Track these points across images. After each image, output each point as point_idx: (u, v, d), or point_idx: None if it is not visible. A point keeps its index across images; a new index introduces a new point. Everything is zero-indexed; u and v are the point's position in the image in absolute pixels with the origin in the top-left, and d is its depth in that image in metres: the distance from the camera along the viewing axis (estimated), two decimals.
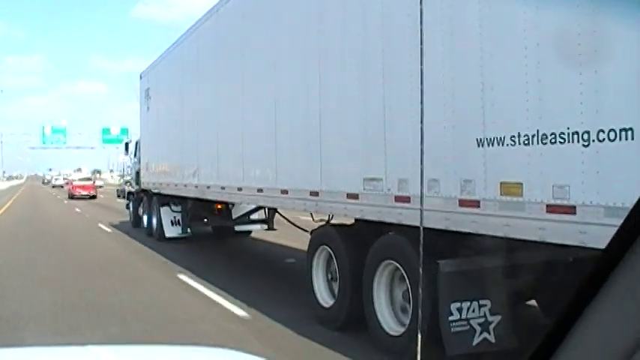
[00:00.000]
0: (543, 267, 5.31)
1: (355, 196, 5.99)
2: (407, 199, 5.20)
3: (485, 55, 4.32)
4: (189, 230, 15.41)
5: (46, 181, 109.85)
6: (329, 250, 6.75)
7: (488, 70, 4.30)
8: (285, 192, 7.60)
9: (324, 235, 6.99)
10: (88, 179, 55.41)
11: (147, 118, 16.98)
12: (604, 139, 3.47)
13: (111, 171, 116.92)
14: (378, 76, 5.64)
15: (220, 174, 10.24)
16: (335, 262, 6.58)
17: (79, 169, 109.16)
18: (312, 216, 8.10)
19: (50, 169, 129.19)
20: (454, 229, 4.73)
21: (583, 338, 0.85)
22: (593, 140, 3.53)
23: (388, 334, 5.63)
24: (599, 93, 3.48)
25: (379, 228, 5.82)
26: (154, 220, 16.33)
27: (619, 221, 2.86)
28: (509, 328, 5.09)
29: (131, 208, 20.80)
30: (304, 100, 7.08)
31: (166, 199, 15.43)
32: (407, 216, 5.26)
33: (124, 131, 62.65)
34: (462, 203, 4.59)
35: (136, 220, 19.82)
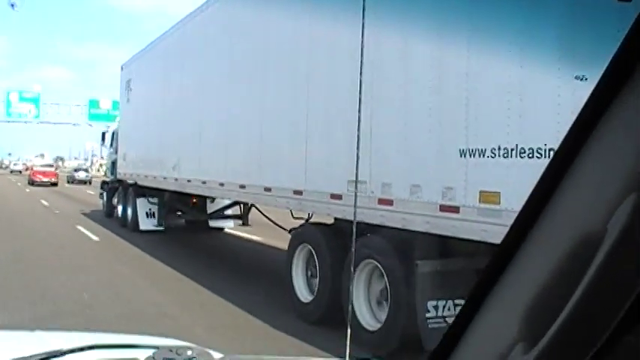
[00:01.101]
0: None
1: (339, 197, 6.28)
2: (390, 202, 5.50)
3: (471, 73, 4.64)
4: (163, 223, 15.54)
5: (4, 166, 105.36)
6: (310, 247, 7.03)
7: (473, 86, 4.62)
8: (268, 189, 7.85)
9: (306, 233, 7.27)
10: (50, 165, 54.12)
11: (127, 109, 17.07)
12: None
13: (85, 159, 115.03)
14: (365, 83, 5.92)
15: (202, 168, 10.43)
16: (316, 259, 6.85)
17: (42, 155, 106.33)
18: (291, 213, 8.39)
19: (10, 154, 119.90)
20: (434, 232, 5.04)
21: (474, 338, 0.85)
22: None
23: (365, 329, 5.93)
24: (574, 114, 3.80)
25: (360, 228, 6.11)
26: (129, 211, 16.36)
27: None
28: None
29: (105, 198, 20.78)
30: (291, 103, 7.34)
31: (143, 191, 15.50)
32: (389, 218, 5.56)
33: (116, 105, 43.11)
34: (443, 208, 4.90)
35: (109, 210, 19.85)
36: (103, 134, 22.27)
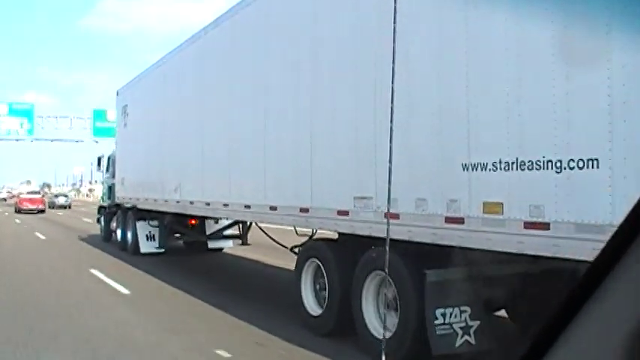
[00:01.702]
0: (514, 280, 5.97)
1: (346, 213, 6.56)
2: (396, 216, 5.79)
3: (471, 90, 4.97)
4: (165, 245, 15.72)
5: None
6: (318, 262, 7.30)
7: (474, 103, 4.95)
8: (274, 208, 8.13)
9: (313, 248, 7.55)
10: (37, 192, 53.77)
11: (123, 133, 17.30)
12: (574, 167, 4.13)
13: (73, 184, 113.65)
14: (369, 101, 6.24)
15: (205, 190, 10.68)
16: (324, 273, 7.12)
17: (28, 182, 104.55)
18: (295, 230, 8.70)
19: None
20: (440, 242, 5.33)
21: (573, 341, 0.85)
22: (565, 168, 4.19)
23: (377, 339, 6.18)
24: (570, 129, 4.14)
25: (367, 242, 6.40)
26: (129, 235, 16.54)
27: (588, 235, 3.64)
28: (488, 332, 5.72)
29: (102, 223, 20.99)
30: (295, 123, 7.64)
31: (142, 214, 15.70)
32: (396, 231, 5.84)
33: None
34: (448, 220, 5.20)
35: (107, 235, 20.05)
36: (99, 159, 22.46)
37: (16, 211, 43.17)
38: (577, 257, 4.26)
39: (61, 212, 45.45)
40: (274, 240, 10.69)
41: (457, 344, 5.56)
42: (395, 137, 5.85)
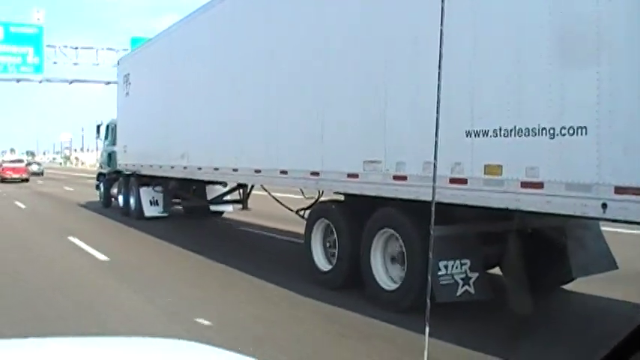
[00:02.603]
0: (508, 237, 6.65)
1: (355, 176, 7.17)
2: (404, 178, 6.40)
3: (474, 66, 5.56)
4: (168, 210, 16.35)
5: None
6: (327, 222, 7.93)
7: (477, 76, 5.54)
8: (284, 172, 8.71)
9: (323, 209, 8.17)
10: (20, 161, 52.10)
11: (125, 102, 17.65)
12: (565, 134, 4.75)
13: (57, 153, 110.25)
14: (378, 76, 6.81)
15: (214, 156, 11.22)
16: (334, 231, 7.75)
17: (12, 150, 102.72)
18: (302, 192, 9.40)
19: None
20: (445, 201, 5.95)
21: None
22: (557, 134, 4.80)
23: (384, 290, 6.85)
24: (564, 100, 4.75)
25: (374, 202, 7.02)
26: (132, 200, 17.11)
27: (576, 193, 4.46)
28: (485, 283, 6.40)
29: (102, 189, 21.47)
30: (307, 90, 8.19)
31: (145, 180, 16.25)
32: (402, 192, 6.47)
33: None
34: (452, 181, 5.81)
35: (107, 201, 20.58)
36: (98, 127, 22.85)
37: None
38: (566, 212, 4.92)
39: (40, 181, 44.05)
40: (280, 202, 11.29)
41: (458, 293, 6.22)
42: (404, 108, 6.48)
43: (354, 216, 7.50)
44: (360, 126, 7.15)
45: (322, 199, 9.14)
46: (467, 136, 5.63)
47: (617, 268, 6.99)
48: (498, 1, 5.47)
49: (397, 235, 6.72)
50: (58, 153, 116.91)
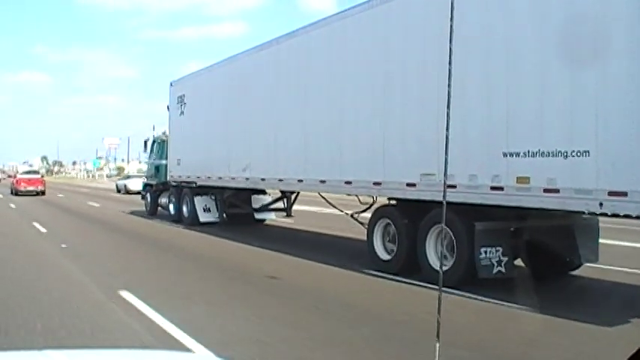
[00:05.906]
0: (530, 231, 8.85)
1: (413, 185, 9.37)
2: (454, 187, 8.59)
3: (510, 101, 7.79)
4: (224, 216, 18.49)
5: None
6: (388, 220, 10.14)
7: (511, 111, 7.77)
8: (348, 182, 10.92)
9: (384, 211, 10.39)
10: (36, 172, 49.18)
11: (179, 120, 19.57)
12: (574, 155, 6.96)
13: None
14: (432, 108, 9.01)
15: (278, 168, 13.38)
16: (395, 229, 9.95)
17: (30, 165, 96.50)
18: (358, 199, 11.69)
19: None
20: (485, 203, 8.15)
21: None
22: (569, 156, 7.02)
23: (436, 270, 9.00)
24: (572, 132, 6.98)
25: (427, 205, 9.20)
26: (185, 209, 19.20)
27: (582, 196, 7.25)
28: (512, 266, 8.60)
29: (148, 199, 23.39)
30: (370, 112, 10.42)
31: (197, 190, 18.40)
32: (453, 197, 8.64)
33: None
34: (492, 188, 8.02)
35: (153, 209, 22.69)
36: (145, 142, 24.97)
37: (13, 193, 38.59)
38: (575, 209, 7.14)
39: (61, 194, 41.49)
40: (334, 206, 13.39)
41: (494, 272, 8.41)
42: (454, 134, 8.70)
43: (410, 216, 9.70)
44: (417, 145, 9.36)
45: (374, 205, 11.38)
46: (504, 156, 7.85)
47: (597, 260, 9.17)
48: (529, 59, 7.70)
49: (448, 229, 8.93)
50: (99, 158, 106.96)
